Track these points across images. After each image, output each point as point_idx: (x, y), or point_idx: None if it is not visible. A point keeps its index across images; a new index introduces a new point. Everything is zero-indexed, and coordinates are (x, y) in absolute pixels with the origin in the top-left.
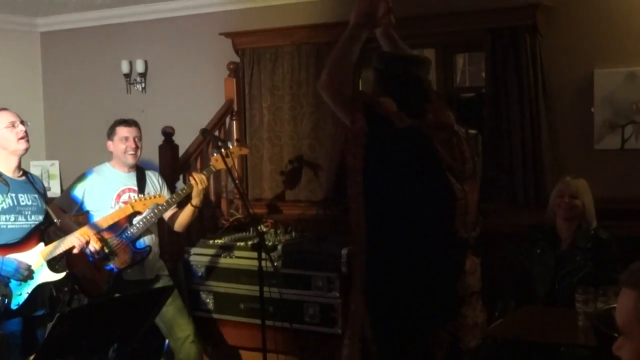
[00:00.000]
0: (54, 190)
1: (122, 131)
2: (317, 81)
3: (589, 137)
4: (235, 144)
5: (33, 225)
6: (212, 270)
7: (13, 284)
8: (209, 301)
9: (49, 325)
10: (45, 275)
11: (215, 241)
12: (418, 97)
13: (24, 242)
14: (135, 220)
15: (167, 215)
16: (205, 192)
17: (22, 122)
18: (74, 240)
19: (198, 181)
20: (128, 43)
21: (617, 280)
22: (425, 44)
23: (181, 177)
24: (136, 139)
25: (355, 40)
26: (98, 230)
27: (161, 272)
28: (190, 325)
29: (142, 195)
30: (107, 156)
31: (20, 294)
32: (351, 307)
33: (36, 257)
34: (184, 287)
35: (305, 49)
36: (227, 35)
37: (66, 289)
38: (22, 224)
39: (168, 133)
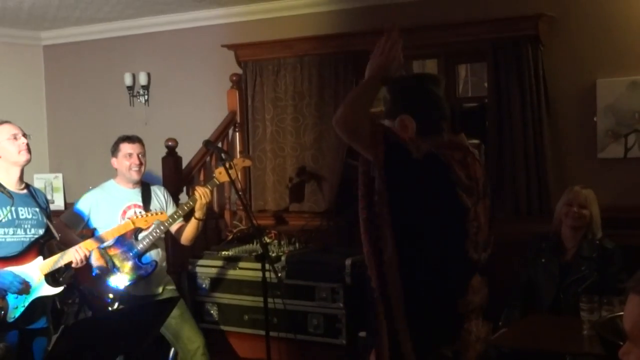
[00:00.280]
0: (58, 203)
1: (126, 148)
2: (320, 92)
3: (592, 146)
4: (238, 155)
5: (32, 239)
6: (217, 282)
7: (10, 297)
8: (214, 312)
9: (54, 337)
10: (43, 289)
11: (220, 253)
12: (435, 114)
13: (22, 255)
14: (141, 236)
15: (173, 229)
16: (209, 204)
17: (24, 135)
18: (72, 255)
19: (202, 195)
20: (131, 56)
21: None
22: (428, 54)
23: (185, 189)
24: (140, 155)
25: (372, 88)
26: (100, 244)
27: (168, 286)
28: (200, 337)
29: (144, 213)
30: (111, 169)
31: (17, 307)
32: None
33: (34, 270)
34: (188, 299)
35: (307, 61)
36: (229, 47)
37: (70, 301)
38: (21, 238)
39: (171, 145)
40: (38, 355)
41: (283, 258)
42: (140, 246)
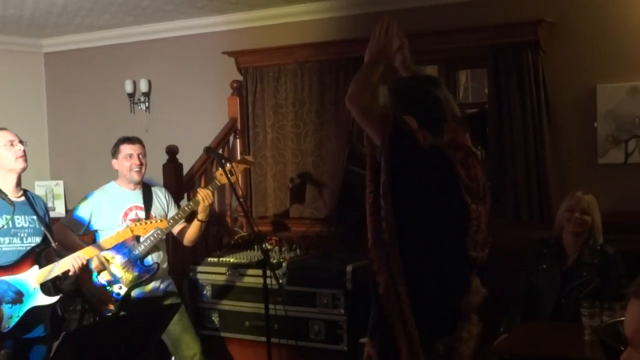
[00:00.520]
0: (59, 210)
1: (126, 149)
2: (320, 98)
3: (593, 151)
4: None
5: (29, 248)
6: (218, 289)
7: (4, 306)
8: (215, 319)
9: (55, 344)
10: (38, 299)
11: (221, 259)
12: (436, 116)
13: (17, 264)
14: (143, 238)
15: (175, 231)
16: (211, 206)
17: (20, 142)
18: (68, 264)
19: (204, 197)
20: (132, 63)
21: (623, 296)
22: (428, 60)
23: (185, 195)
24: (140, 156)
25: (374, 70)
26: (99, 252)
27: (169, 290)
28: (197, 344)
29: (143, 220)
30: (112, 176)
31: (11, 317)
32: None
33: (29, 280)
34: (189, 305)
35: (308, 67)
36: (230, 54)
37: (71, 308)
38: (17, 246)
39: (172, 152)
40: None
41: (284, 264)
42: (141, 248)
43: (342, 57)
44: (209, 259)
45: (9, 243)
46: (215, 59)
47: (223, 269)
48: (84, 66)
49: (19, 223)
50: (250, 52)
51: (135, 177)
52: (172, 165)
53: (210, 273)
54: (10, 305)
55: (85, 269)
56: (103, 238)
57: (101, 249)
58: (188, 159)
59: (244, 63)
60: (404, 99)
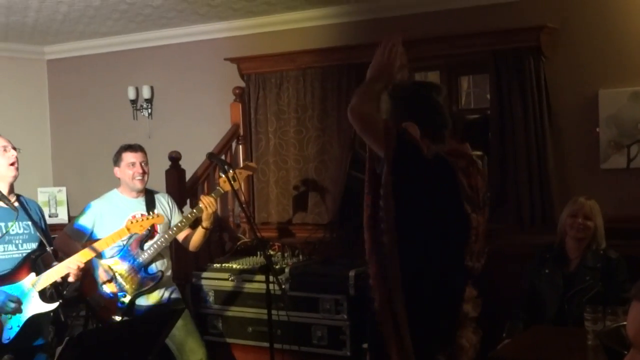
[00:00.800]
0: (62, 217)
1: (128, 157)
2: (323, 104)
3: (595, 157)
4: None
5: (25, 255)
6: (221, 294)
7: (3, 317)
8: (218, 325)
9: (58, 350)
10: (37, 307)
11: (224, 265)
12: (438, 122)
13: (14, 273)
14: (147, 245)
15: (180, 237)
16: (215, 213)
17: (13, 148)
18: (65, 269)
19: (207, 205)
20: (134, 69)
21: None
22: (430, 66)
23: (188, 201)
24: (143, 164)
25: (375, 87)
26: (95, 254)
27: (173, 296)
28: (202, 349)
29: (138, 218)
30: (115, 182)
31: (11, 327)
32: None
33: (27, 288)
34: (192, 311)
35: (310, 73)
36: (232, 60)
37: (74, 314)
38: (12, 254)
39: (175, 158)
40: None
41: (287, 270)
42: (145, 256)
43: (344, 64)
44: (212, 265)
45: (4, 251)
46: (218, 65)
47: (226, 275)
48: (87, 73)
49: (13, 230)
50: (253, 59)
51: (138, 185)
52: (174, 171)
53: (214, 279)
54: (9, 315)
55: (90, 278)
56: (98, 241)
57: (97, 250)
58: (191, 165)
59: (246, 69)
60: (406, 105)
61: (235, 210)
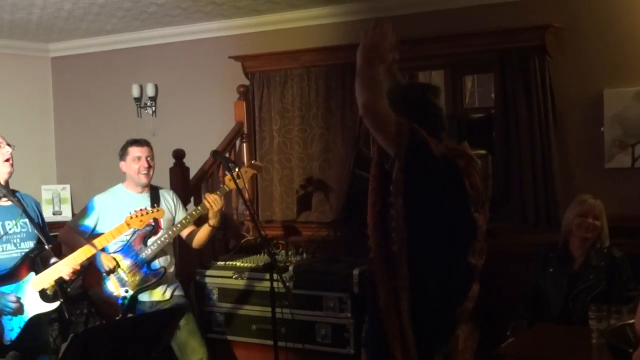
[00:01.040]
0: (65, 215)
1: (134, 151)
2: (327, 103)
3: (600, 156)
4: (246, 164)
5: (24, 253)
6: (225, 292)
7: (4, 318)
8: (222, 322)
9: (63, 346)
10: (38, 307)
11: (227, 263)
12: (437, 122)
13: (14, 272)
14: (150, 241)
15: (184, 234)
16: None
17: (8, 144)
18: (63, 268)
19: (212, 202)
20: (138, 67)
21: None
22: (435, 65)
23: (192, 199)
24: (148, 159)
25: (371, 72)
26: (95, 251)
27: (176, 293)
28: (203, 348)
29: (138, 212)
30: (119, 180)
31: (12, 329)
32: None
33: (27, 288)
34: (196, 308)
35: (314, 72)
36: (236, 58)
37: (78, 311)
38: (11, 253)
39: (179, 155)
40: None
41: (291, 268)
42: (148, 252)
43: (348, 62)
44: (216, 263)
45: (2, 251)
46: (222, 63)
47: (230, 273)
48: (91, 70)
49: (10, 228)
50: (257, 57)
51: (143, 179)
52: (178, 169)
53: (217, 277)
54: (10, 317)
55: (94, 271)
56: (98, 238)
57: (97, 247)
58: (195, 163)
59: (250, 68)
60: (406, 107)
61: (239, 209)
